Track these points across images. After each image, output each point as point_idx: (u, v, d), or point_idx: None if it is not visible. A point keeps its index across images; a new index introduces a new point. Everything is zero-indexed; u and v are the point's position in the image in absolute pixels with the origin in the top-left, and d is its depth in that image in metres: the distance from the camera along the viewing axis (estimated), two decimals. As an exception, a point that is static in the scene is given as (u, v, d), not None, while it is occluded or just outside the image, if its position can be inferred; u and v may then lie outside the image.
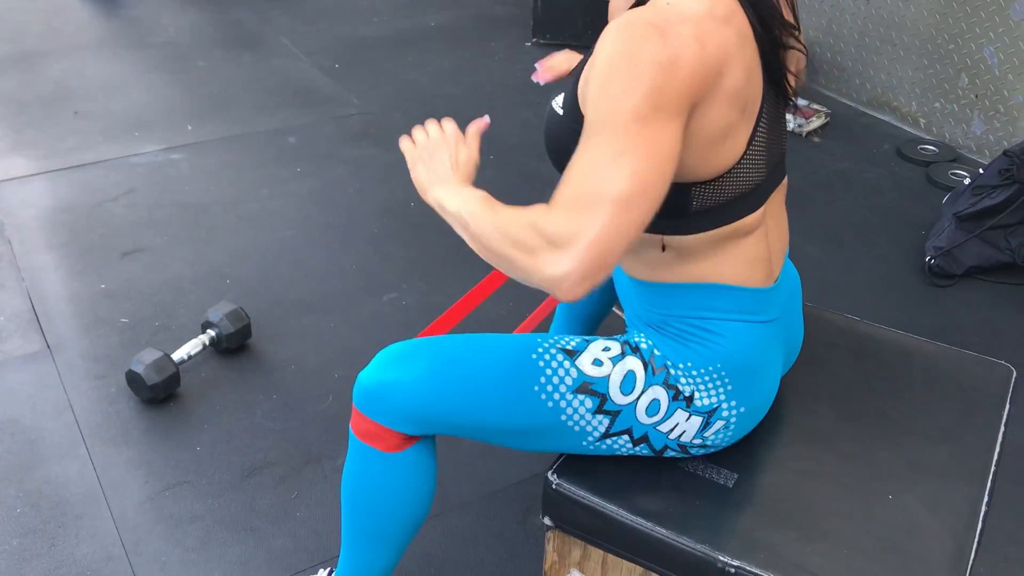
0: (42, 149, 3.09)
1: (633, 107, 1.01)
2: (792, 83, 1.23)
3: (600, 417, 1.26)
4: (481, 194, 1.19)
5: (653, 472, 1.35)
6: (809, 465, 1.36)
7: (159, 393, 2.05)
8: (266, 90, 3.58)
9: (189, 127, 3.29)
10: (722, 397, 1.26)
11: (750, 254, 1.25)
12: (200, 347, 2.17)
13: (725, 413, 1.27)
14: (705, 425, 1.28)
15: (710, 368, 1.24)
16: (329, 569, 1.56)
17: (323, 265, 2.57)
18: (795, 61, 1.27)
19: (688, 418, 1.27)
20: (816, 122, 3.40)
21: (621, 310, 1.49)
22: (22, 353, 2.21)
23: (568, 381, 1.24)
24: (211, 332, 2.19)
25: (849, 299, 2.47)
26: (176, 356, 2.11)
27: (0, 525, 1.79)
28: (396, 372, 1.25)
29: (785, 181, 1.33)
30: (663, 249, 1.23)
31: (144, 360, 2.04)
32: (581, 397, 1.24)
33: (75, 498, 1.85)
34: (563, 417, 1.25)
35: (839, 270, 2.64)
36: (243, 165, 3.06)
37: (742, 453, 1.38)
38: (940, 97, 3.32)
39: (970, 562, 1.23)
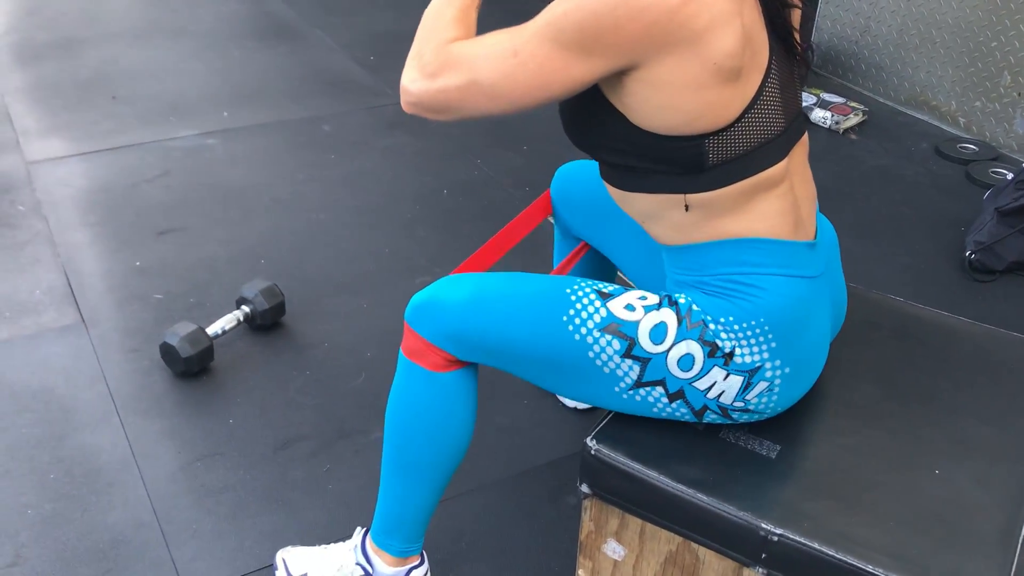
0: (79, 131, 3.12)
1: (560, 30, 1.11)
2: (798, 39, 1.25)
3: (630, 362, 1.25)
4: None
5: (693, 440, 1.33)
6: (853, 439, 1.34)
7: (193, 366, 2.05)
8: (301, 80, 3.60)
9: (224, 113, 3.30)
10: (765, 355, 1.24)
11: (777, 207, 1.24)
12: (234, 322, 2.17)
13: (768, 373, 1.25)
14: (747, 386, 1.25)
15: (752, 322, 1.23)
16: (365, 529, 1.55)
17: (356, 247, 2.57)
18: (795, 17, 1.29)
19: (727, 377, 1.25)
20: (853, 119, 3.37)
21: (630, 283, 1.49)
22: (57, 326, 2.22)
23: (596, 319, 1.25)
24: (245, 308, 2.19)
25: (887, 293, 2.44)
26: (211, 330, 2.11)
27: (33, 490, 1.79)
28: (444, 292, 1.33)
29: (805, 137, 1.32)
30: (687, 209, 1.22)
31: (179, 332, 2.04)
32: (608, 337, 1.25)
33: (107, 466, 1.85)
34: (591, 355, 1.25)
35: (876, 264, 2.60)
36: (277, 151, 3.07)
37: (784, 425, 1.36)
38: (981, 96, 3.28)
39: (1021, 538, 1.20)
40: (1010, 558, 1.17)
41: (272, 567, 1.63)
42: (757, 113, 1.18)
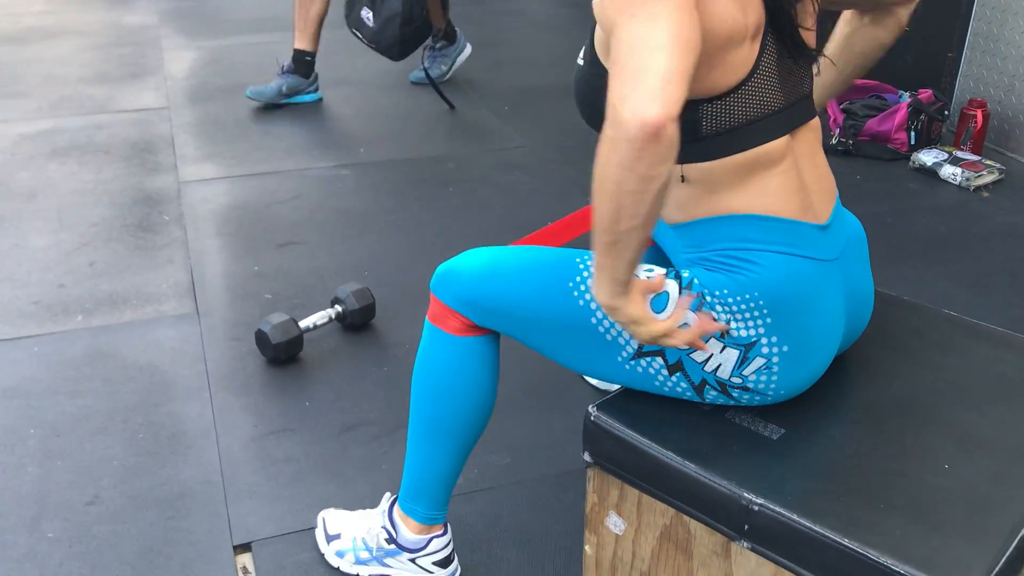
0: (230, 159, 3.43)
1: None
2: (808, 24, 1.28)
3: None
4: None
5: (697, 418, 1.34)
6: (862, 430, 1.31)
7: (281, 353, 2.20)
8: (436, 125, 3.82)
9: (361, 150, 3.55)
10: (760, 330, 1.25)
11: (778, 185, 1.25)
12: (326, 319, 2.32)
13: (765, 350, 1.26)
14: (743, 361, 1.26)
15: (746, 296, 1.24)
16: (394, 496, 1.62)
17: (456, 267, 2.69)
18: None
19: (723, 349, 1.26)
20: (987, 177, 3.24)
21: None
22: (174, 314, 2.45)
23: None
24: (338, 307, 2.34)
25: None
26: (303, 323, 2.27)
27: (124, 445, 1.97)
28: (465, 261, 1.41)
29: (816, 124, 1.33)
30: (683, 180, 1.25)
31: (272, 321, 2.21)
32: None
33: (190, 432, 2.01)
34: (593, 320, 1.30)
35: (985, 314, 2.49)
36: (401, 182, 3.27)
37: (793, 411, 1.35)
38: None
39: (1021, 535, 1.14)
40: (1000, 549, 1.11)
41: (313, 527, 1.73)
42: (753, 87, 1.21)
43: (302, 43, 3.90)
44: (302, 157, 3.46)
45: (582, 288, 1.31)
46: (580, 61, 1.34)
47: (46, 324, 2.39)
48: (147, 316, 2.44)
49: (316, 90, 4.03)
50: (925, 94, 3.54)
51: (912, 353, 1.48)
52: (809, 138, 1.33)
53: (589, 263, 1.33)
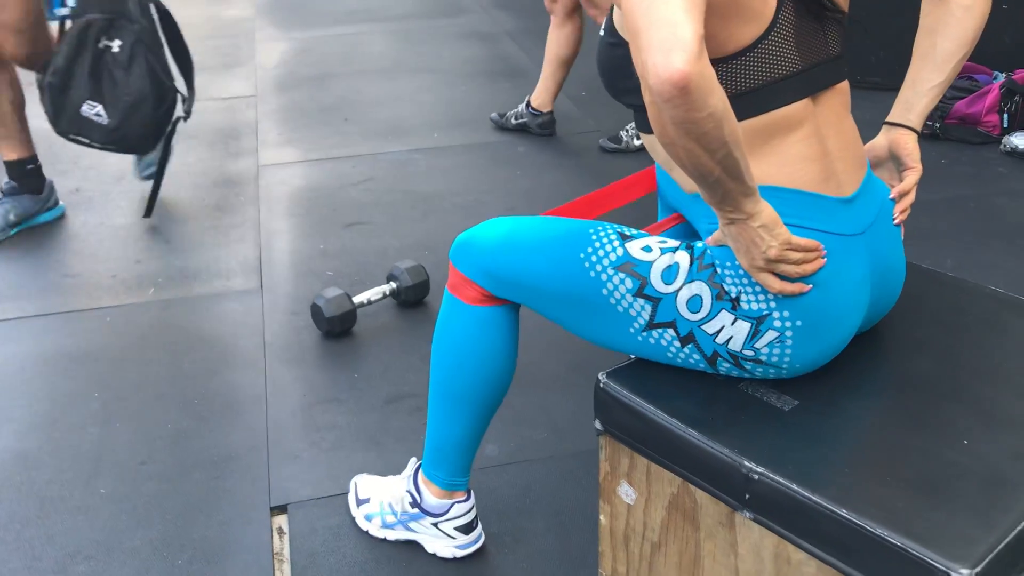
0: (308, 144, 3.52)
1: None
2: None
3: (642, 302, 1.26)
4: None
5: (709, 387, 1.31)
6: (880, 403, 1.27)
7: (335, 326, 2.26)
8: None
9: (435, 135, 3.59)
10: (772, 304, 1.22)
11: (796, 152, 1.21)
12: (380, 295, 2.36)
13: (777, 323, 1.22)
14: (755, 334, 1.23)
15: None
16: (419, 462, 1.65)
17: (515, 248, 2.71)
18: None
19: (735, 321, 1.23)
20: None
21: None
22: (240, 289, 2.53)
23: (612, 257, 1.28)
24: (393, 284, 2.39)
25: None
26: (357, 299, 2.32)
27: (179, 410, 2.06)
28: (483, 232, 1.41)
29: (844, 88, 1.28)
30: None
31: (326, 296, 2.27)
32: (622, 275, 1.27)
33: (243, 400, 2.09)
34: (604, 292, 1.28)
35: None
36: (471, 166, 3.30)
37: (809, 384, 1.31)
38: None
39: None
40: (1008, 528, 1.06)
41: (347, 492, 1.77)
42: (770, 45, 1.18)
43: (11, 152, 2.83)
44: (377, 142, 3.53)
45: (593, 259, 1.30)
46: (601, 33, 1.33)
47: (120, 296, 2.51)
48: (214, 291, 2.53)
49: (56, 204, 2.97)
50: (1021, 74, 3.37)
51: (950, 329, 1.42)
52: (835, 103, 1.29)
53: (600, 231, 1.32)
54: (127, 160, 3.23)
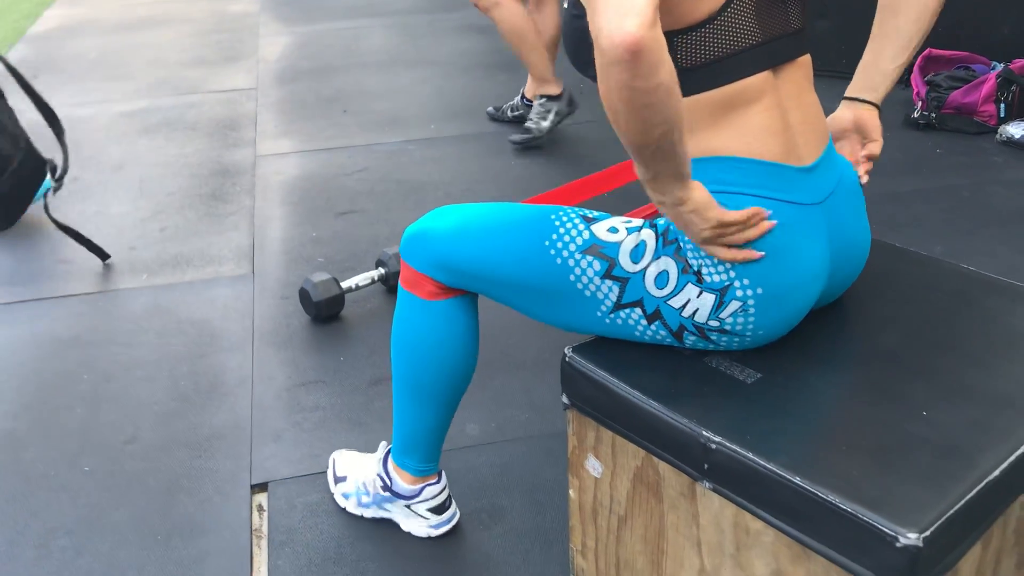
0: (305, 135, 3.55)
1: None
2: None
3: (609, 283, 1.27)
4: None
5: (673, 361, 1.32)
6: (843, 376, 1.27)
7: (323, 311, 2.28)
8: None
9: (431, 126, 3.61)
10: (732, 274, 1.23)
11: (756, 124, 1.22)
12: (369, 280, 2.38)
13: (739, 293, 1.23)
14: (719, 305, 1.24)
15: None
16: (388, 446, 1.66)
17: (506, 236, 2.72)
18: None
19: (700, 294, 1.24)
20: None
21: None
22: (232, 274, 2.56)
23: (579, 241, 1.28)
24: (381, 269, 2.40)
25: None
26: (345, 284, 2.34)
27: (167, 391, 2.08)
28: (432, 223, 1.39)
29: (806, 61, 1.28)
30: None
31: (314, 280, 2.29)
32: (589, 258, 1.27)
33: (229, 381, 2.11)
34: (572, 278, 1.28)
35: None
36: (465, 156, 3.32)
37: (772, 356, 1.32)
38: None
39: (985, 481, 1.09)
40: (959, 495, 1.06)
41: (326, 470, 1.79)
42: (728, 17, 1.18)
43: None
44: (373, 133, 3.55)
45: (559, 246, 1.29)
46: (565, 5, 1.34)
47: (113, 281, 2.54)
48: (206, 276, 2.55)
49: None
50: (1018, 64, 3.36)
51: (917, 305, 1.42)
52: (797, 77, 1.29)
53: (563, 216, 1.31)
54: (127, 150, 3.26)
